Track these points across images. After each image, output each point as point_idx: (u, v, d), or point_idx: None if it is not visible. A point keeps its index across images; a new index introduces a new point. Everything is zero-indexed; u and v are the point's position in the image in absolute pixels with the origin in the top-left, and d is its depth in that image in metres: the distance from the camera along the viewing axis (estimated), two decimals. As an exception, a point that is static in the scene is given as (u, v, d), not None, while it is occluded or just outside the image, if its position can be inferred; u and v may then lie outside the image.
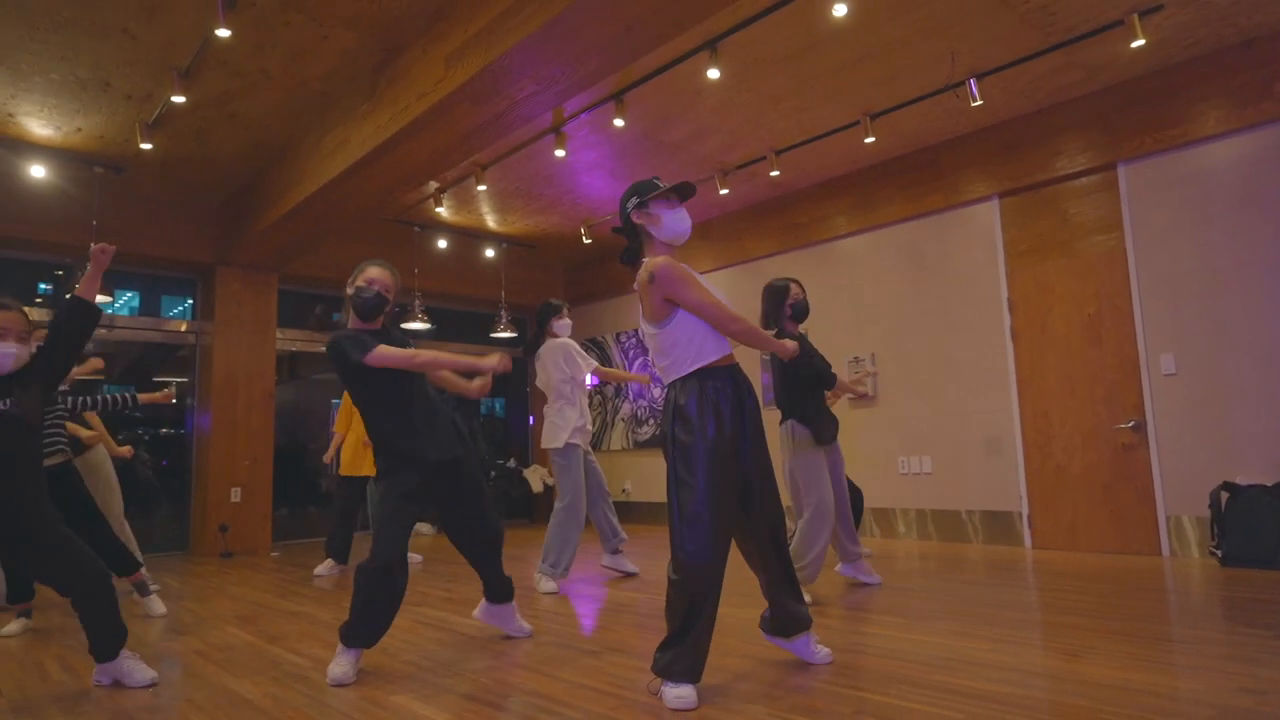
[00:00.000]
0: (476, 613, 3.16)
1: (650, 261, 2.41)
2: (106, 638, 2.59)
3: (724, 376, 2.41)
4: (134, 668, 2.61)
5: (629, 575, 4.56)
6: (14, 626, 3.54)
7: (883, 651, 2.72)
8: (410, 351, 2.72)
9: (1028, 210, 5.37)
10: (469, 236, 7.70)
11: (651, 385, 5.01)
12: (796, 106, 5.13)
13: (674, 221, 2.45)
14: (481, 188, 6.12)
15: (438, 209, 6.75)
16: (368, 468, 5.24)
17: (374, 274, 2.84)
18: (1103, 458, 4.91)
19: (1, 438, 2.45)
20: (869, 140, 5.34)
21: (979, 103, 4.78)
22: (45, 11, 3.87)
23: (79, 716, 2.34)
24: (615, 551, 4.56)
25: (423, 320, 7.16)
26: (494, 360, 2.77)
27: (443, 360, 2.79)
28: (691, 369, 2.38)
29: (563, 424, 4.30)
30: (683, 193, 2.47)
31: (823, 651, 2.60)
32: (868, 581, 3.98)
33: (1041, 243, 5.30)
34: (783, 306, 3.76)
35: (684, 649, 2.23)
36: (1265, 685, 2.21)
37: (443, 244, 7.55)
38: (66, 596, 2.56)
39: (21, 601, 3.63)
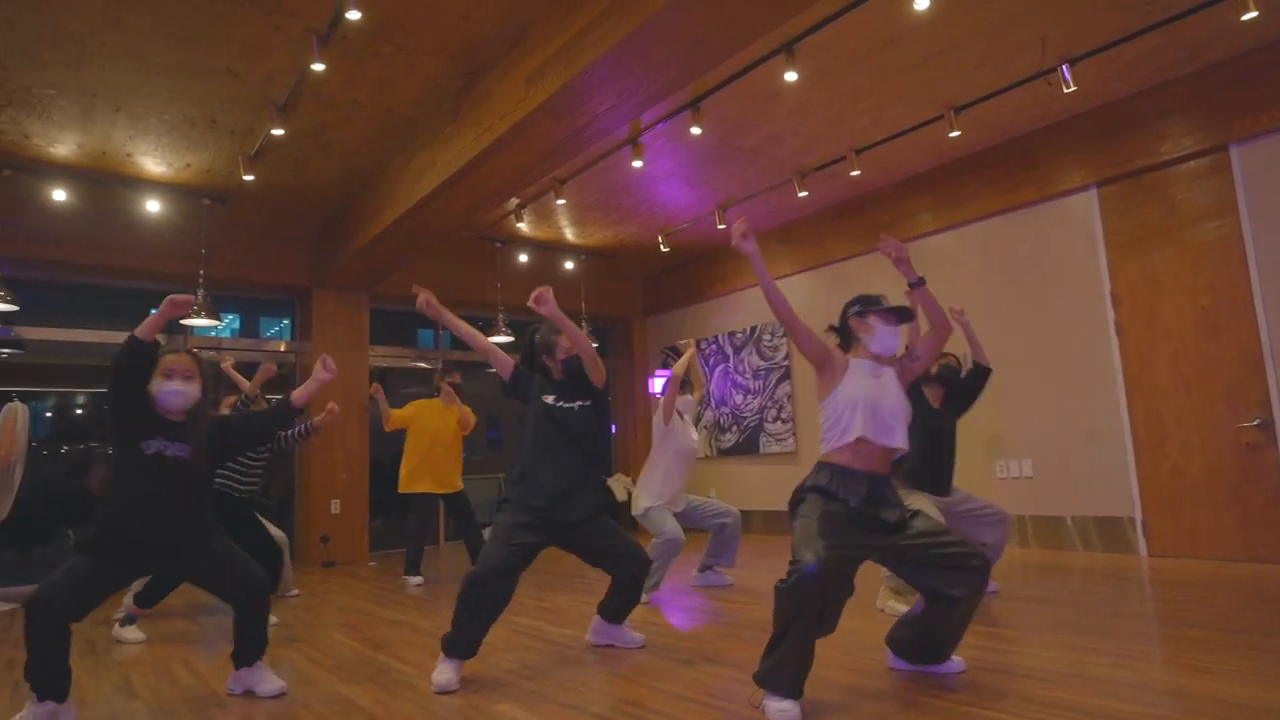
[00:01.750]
0: (590, 634, 3.22)
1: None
2: (252, 644, 2.74)
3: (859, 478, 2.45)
4: (265, 677, 2.73)
5: (723, 586, 4.54)
6: (134, 634, 3.76)
7: (995, 665, 2.62)
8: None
9: (1130, 199, 5.10)
10: (548, 250, 7.83)
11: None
12: (876, 104, 5.02)
13: (884, 337, 2.56)
14: (560, 201, 6.22)
15: (518, 224, 6.89)
16: (424, 485, 5.37)
17: (568, 344, 3.14)
18: (1225, 459, 4.60)
19: (183, 480, 2.64)
20: (954, 134, 5.17)
21: (1072, 89, 4.57)
22: (158, 57, 4.14)
23: (207, 719, 2.47)
24: (708, 569, 4.58)
25: (506, 334, 7.32)
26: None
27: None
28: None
29: (644, 488, 4.36)
30: (901, 316, 2.57)
31: (955, 660, 2.57)
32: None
33: (1146, 232, 5.01)
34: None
35: (781, 659, 2.20)
36: None
37: (523, 258, 7.70)
38: (230, 602, 2.72)
39: (149, 606, 3.88)
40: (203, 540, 2.72)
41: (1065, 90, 4.59)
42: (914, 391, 3.68)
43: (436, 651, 3.16)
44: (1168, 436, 4.84)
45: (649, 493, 4.30)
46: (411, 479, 5.39)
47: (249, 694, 2.72)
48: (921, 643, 2.54)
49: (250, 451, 4.20)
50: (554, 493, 2.89)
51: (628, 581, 3.06)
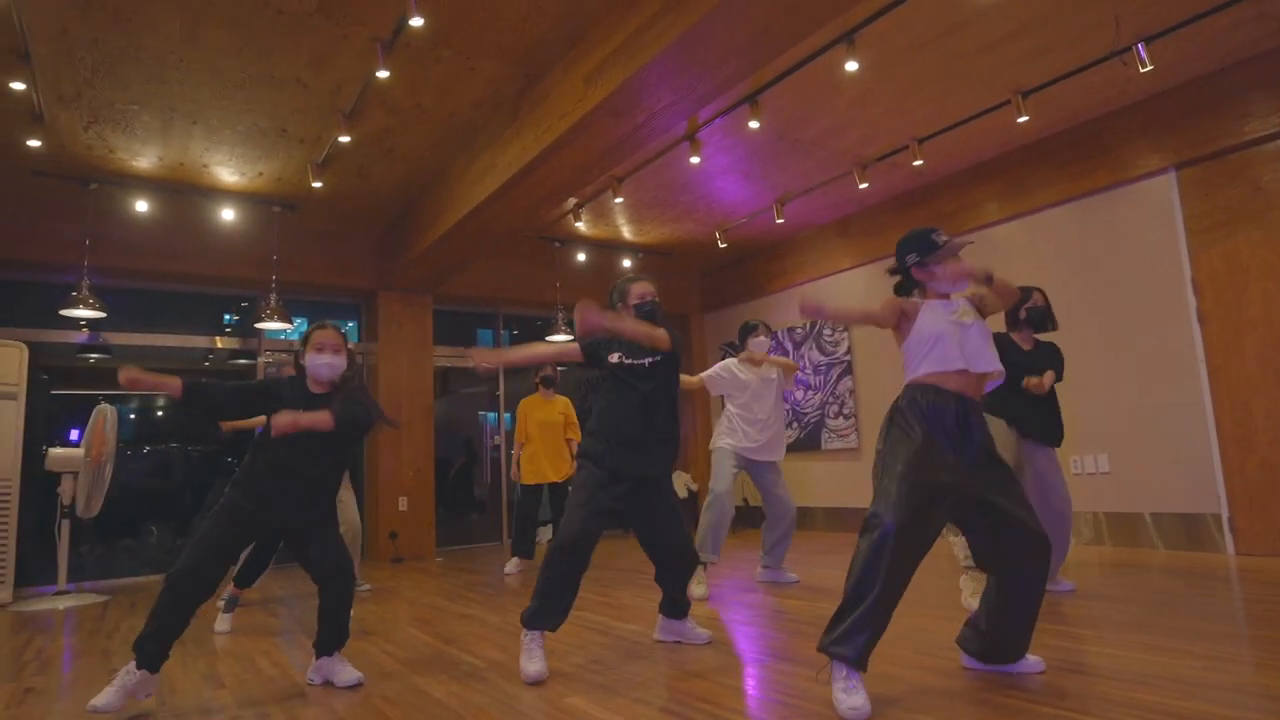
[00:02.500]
0: (657, 633, 3.23)
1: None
2: (334, 632, 2.83)
3: (945, 397, 2.40)
4: (344, 669, 2.82)
5: (789, 583, 4.50)
6: (224, 624, 3.94)
7: (1077, 666, 2.53)
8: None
9: (1212, 181, 4.87)
10: (606, 249, 7.87)
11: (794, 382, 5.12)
12: (940, 91, 4.90)
13: (950, 276, 2.51)
14: (618, 200, 6.25)
15: (576, 224, 6.94)
16: (546, 475, 5.74)
17: (642, 289, 3.14)
18: (1319, 452, 4.36)
19: (326, 444, 2.77)
20: (1022, 119, 5.02)
21: (1149, 68, 4.38)
22: (232, 71, 4.31)
23: (294, 711, 2.56)
24: (767, 567, 4.54)
25: (567, 332, 7.39)
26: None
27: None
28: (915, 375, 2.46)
29: (721, 429, 4.56)
30: (957, 250, 2.54)
31: (1033, 659, 2.49)
32: (1058, 588, 3.73)
33: (1230, 215, 4.78)
34: (1018, 311, 3.78)
35: (853, 625, 2.17)
36: None
37: (581, 257, 7.76)
38: (322, 582, 2.80)
39: (246, 585, 4.07)
40: (323, 514, 2.85)
41: (1141, 70, 4.41)
42: (1001, 340, 3.62)
43: (506, 645, 3.24)
44: (1257, 430, 4.61)
45: (722, 431, 4.55)
46: (532, 471, 5.77)
47: (327, 684, 2.81)
48: (990, 639, 2.46)
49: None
50: (631, 446, 2.91)
51: (673, 568, 3.06)
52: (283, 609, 4.55)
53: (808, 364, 7.69)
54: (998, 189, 5.98)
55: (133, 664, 2.52)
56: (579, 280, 7.98)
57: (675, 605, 3.13)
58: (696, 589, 4.17)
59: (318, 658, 2.85)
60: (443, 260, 6.45)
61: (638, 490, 2.95)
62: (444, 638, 3.52)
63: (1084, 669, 2.49)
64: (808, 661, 2.72)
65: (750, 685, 2.53)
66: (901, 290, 2.63)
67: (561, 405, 5.97)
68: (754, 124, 4.87)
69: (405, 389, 7.18)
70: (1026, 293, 3.78)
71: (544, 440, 5.79)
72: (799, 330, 7.83)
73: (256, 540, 2.81)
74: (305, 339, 2.92)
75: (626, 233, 7.53)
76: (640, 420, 2.94)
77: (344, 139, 4.89)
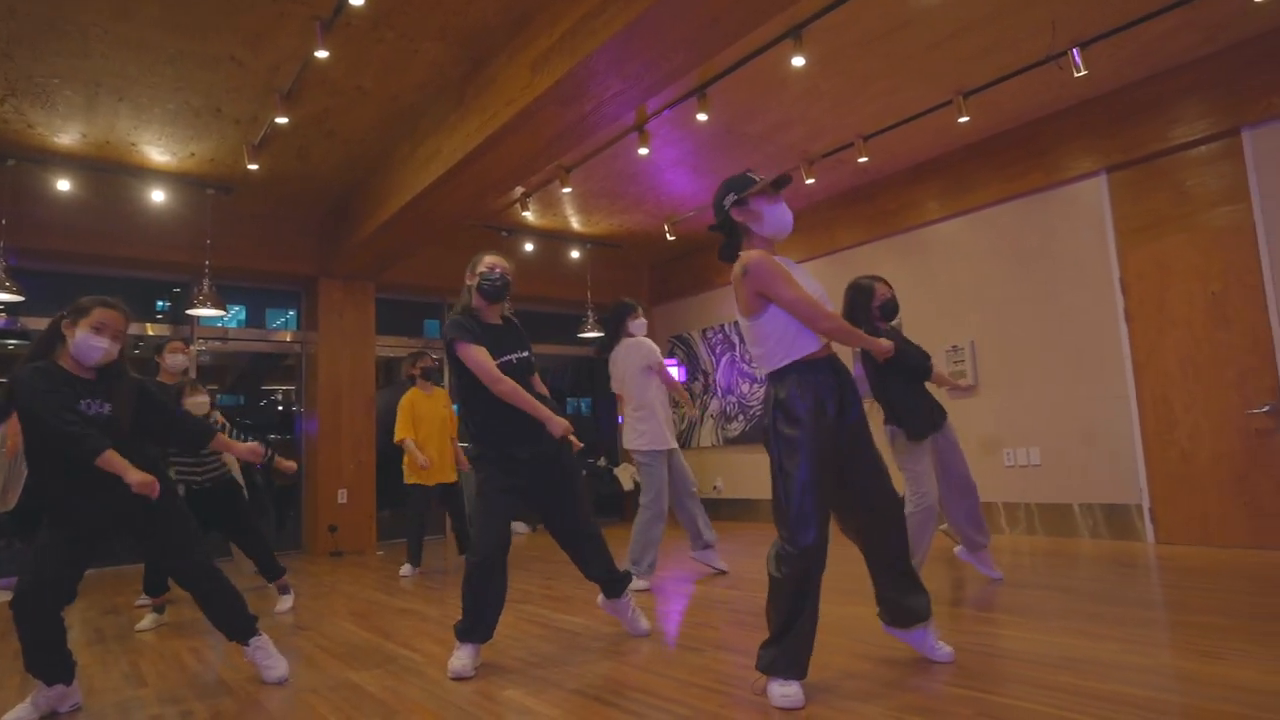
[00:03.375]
0: (598, 601, 3.24)
1: (745, 255, 2.38)
2: (230, 622, 2.72)
3: (824, 368, 2.36)
4: (273, 662, 2.70)
5: (720, 573, 4.52)
6: (148, 621, 3.80)
7: (1002, 651, 2.61)
8: (494, 373, 2.81)
9: (1140, 184, 5.05)
10: (554, 239, 7.80)
11: (691, 409, 4.94)
12: (885, 89, 4.98)
13: (775, 216, 2.41)
14: (566, 190, 6.20)
15: (524, 213, 6.87)
16: (435, 475, 5.34)
17: (493, 260, 3.05)
18: (1235, 446, 4.57)
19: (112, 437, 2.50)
20: (963, 119, 5.13)
21: (1083, 73, 4.52)
22: (162, 46, 4.13)
23: (218, 706, 2.48)
24: (705, 547, 4.53)
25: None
26: (564, 428, 2.84)
27: (520, 398, 2.82)
28: (784, 362, 2.35)
29: (641, 425, 4.33)
30: (780, 185, 2.40)
31: (944, 649, 2.51)
32: (988, 574, 3.84)
33: (1157, 218, 4.97)
34: (869, 308, 3.67)
35: (788, 644, 2.20)
36: None
37: (529, 247, 7.68)
38: (182, 582, 2.70)
39: (156, 595, 3.90)
40: (153, 508, 2.55)
41: (1076, 74, 4.54)
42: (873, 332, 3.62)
43: (444, 639, 3.19)
44: (1177, 424, 4.81)
45: (647, 430, 4.33)
46: (412, 470, 5.36)
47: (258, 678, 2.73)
48: (891, 601, 2.50)
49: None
50: (516, 432, 2.85)
51: (584, 549, 3.03)
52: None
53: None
54: (939, 187, 6.11)
55: (42, 685, 2.40)
56: (526, 269, 7.89)
57: (611, 585, 3.11)
58: (637, 583, 4.17)
59: (241, 642, 2.74)
60: (386, 247, 6.31)
61: (536, 471, 2.89)
62: (381, 632, 3.46)
63: (1008, 654, 2.57)
64: (746, 651, 2.74)
65: (687, 675, 2.53)
66: (726, 249, 2.48)
67: (444, 398, 5.57)
68: (702, 116, 4.88)
69: (346, 379, 7.01)
70: (868, 285, 3.69)
71: (431, 436, 5.35)
72: (746, 324, 7.88)
73: (95, 537, 2.56)
74: (79, 311, 2.49)
75: (575, 223, 7.48)
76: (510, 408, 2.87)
77: (281, 120, 4.73)
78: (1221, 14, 4.25)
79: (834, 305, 2.54)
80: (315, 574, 5.49)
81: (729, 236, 2.48)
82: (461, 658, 2.68)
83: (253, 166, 5.37)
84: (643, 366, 4.38)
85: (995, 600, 3.42)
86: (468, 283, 3.03)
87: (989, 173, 5.78)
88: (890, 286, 3.75)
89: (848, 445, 2.36)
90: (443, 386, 5.67)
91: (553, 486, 2.95)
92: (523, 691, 2.45)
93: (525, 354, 3.01)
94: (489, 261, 3.04)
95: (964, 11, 4.15)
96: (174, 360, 4.60)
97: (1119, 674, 2.29)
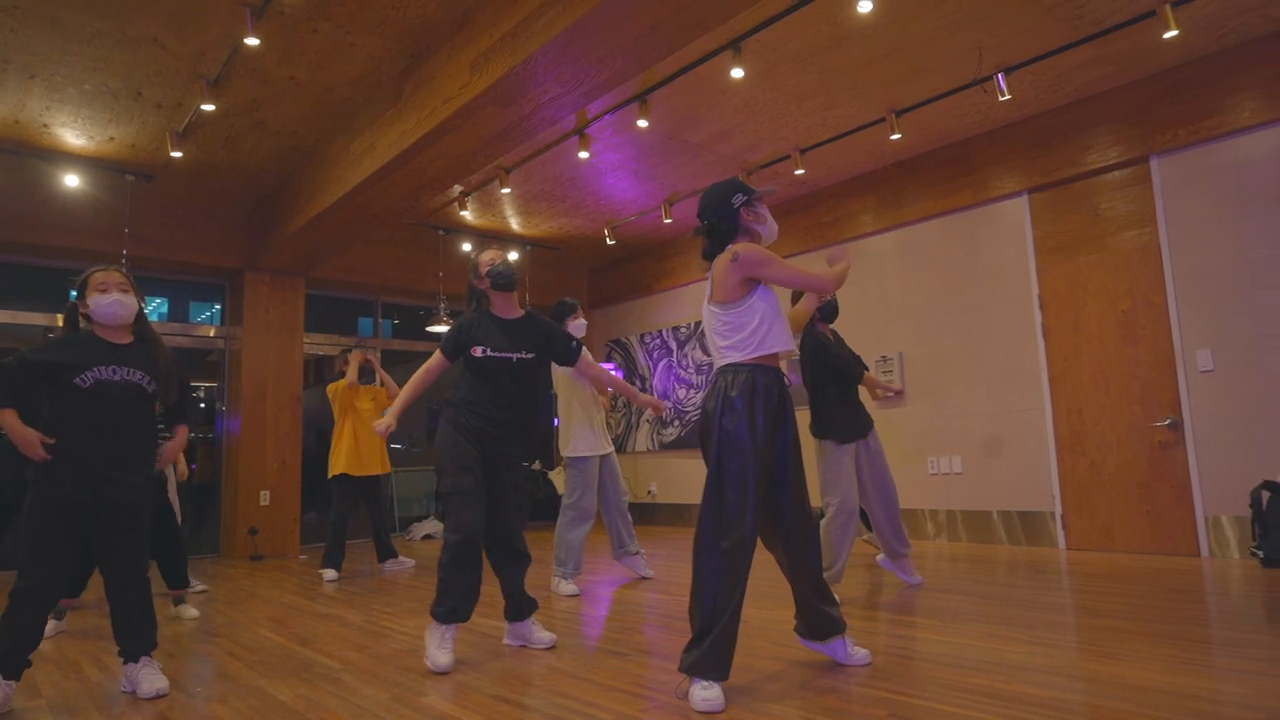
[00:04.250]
0: (505, 638, 3.09)
1: (734, 245, 2.44)
2: (137, 637, 2.60)
3: (773, 375, 2.42)
4: (149, 675, 2.57)
5: (644, 579, 4.52)
6: (49, 629, 3.59)
7: (918, 654, 2.68)
8: (422, 379, 2.93)
9: (1058, 206, 5.29)
10: (493, 239, 7.73)
11: (667, 411, 4.94)
12: (821, 104, 5.09)
13: (773, 221, 2.57)
14: (505, 191, 6.15)
15: (462, 212, 6.79)
16: (368, 467, 5.24)
17: (490, 256, 3.02)
18: (1139, 456, 4.81)
19: (130, 405, 2.54)
20: (895, 137, 5.29)
21: (1007, 97, 4.72)
22: (78, 24, 3.94)
23: (121, 717, 2.37)
24: (634, 554, 4.52)
25: (449, 323, 7.20)
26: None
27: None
28: (754, 355, 2.39)
29: (569, 431, 4.32)
30: (768, 194, 2.58)
31: (860, 653, 2.57)
32: (908, 581, 3.94)
33: (1073, 239, 5.21)
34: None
35: (710, 646, 2.22)
36: (1316, 690, 2.15)
37: (467, 247, 7.59)
38: (113, 582, 2.58)
39: (75, 595, 3.71)
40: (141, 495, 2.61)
41: (1000, 98, 4.73)
42: (819, 336, 3.72)
43: (366, 645, 3.12)
44: (1087, 435, 5.04)
45: (581, 435, 4.32)
46: (342, 462, 5.23)
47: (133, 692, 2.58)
48: (807, 615, 2.54)
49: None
50: (498, 425, 2.88)
51: (504, 556, 2.98)
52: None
53: (690, 363, 7.82)
54: (872, 202, 6.28)
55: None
56: (464, 270, 7.76)
57: (516, 606, 2.99)
58: (565, 586, 4.15)
59: (126, 662, 2.60)
60: (317, 242, 6.15)
61: (489, 468, 2.89)
62: (299, 638, 3.35)
63: (923, 656, 2.65)
64: (670, 655, 2.75)
65: (610, 679, 2.53)
66: (711, 249, 2.52)
67: (380, 395, 5.50)
68: (643, 123, 4.90)
69: (271, 377, 6.80)
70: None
71: (366, 429, 5.25)
72: (683, 330, 7.95)
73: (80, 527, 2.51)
74: (83, 284, 2.63)
75: (515, 224, 7.43)
76: (506, 404, 2.90)
77: (208, 107, 4.57)
78: (1133, 48, 4.48)
79: (783, 308, 2.60)
80: (232, 579, 5.30)
81: (718, 237, 2.51)
82: (445, 649, 2.69)
83: (176, 154, 5.17)
84: (570, 370, 4.36)
85: (913, 604, 3.52)
86: (476, 286, 3.01)
87: (920, 189, 5.97)
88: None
89: (779, 458, 2.42)
90: (381, 386, 5.55)
91: (495, 487, 2.91)
92: (442, 698, 2.41)
93: (528, 355, 2.94)
94: (488, 258, 3.01)
95: (896, 33, 4.28)
96: None
97: (1026, 675, 2.38)
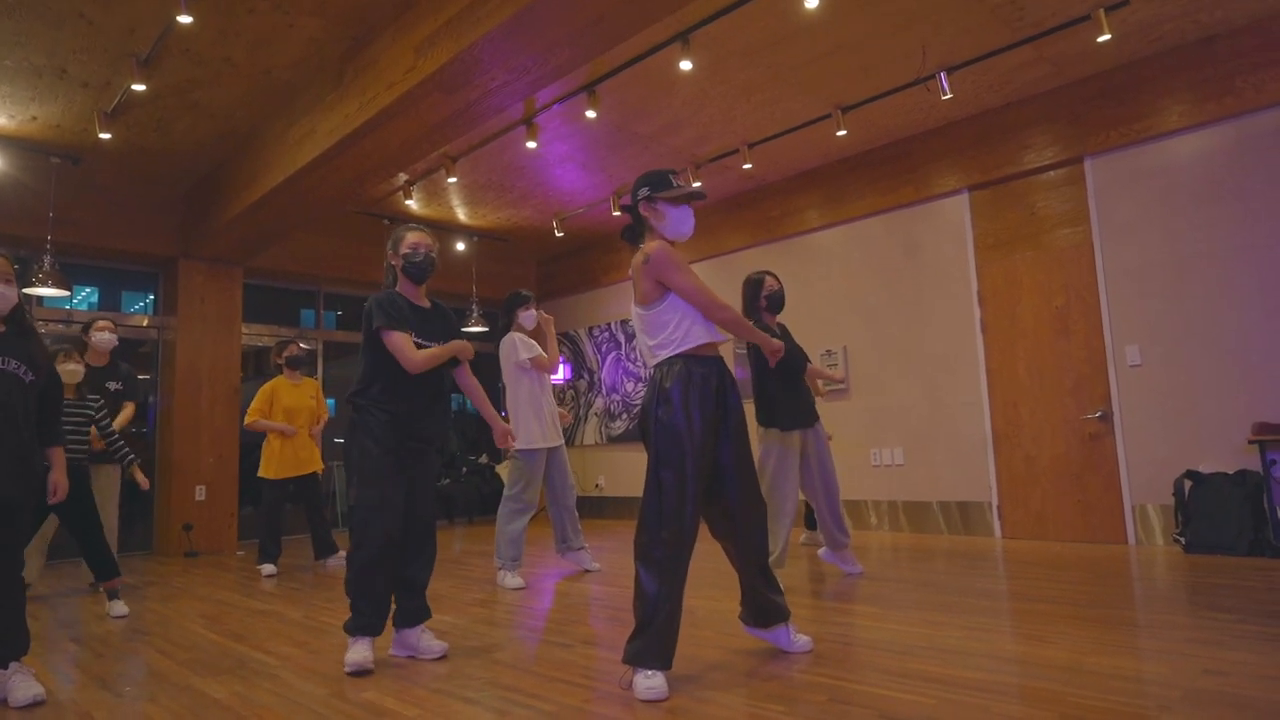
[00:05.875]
0: (392, 649, 2.83)
1: (646, 245, 2.47)
2: (4, 643, 2.44)
3: (710, 365, 2.43)
4: (21, 682, 2.39)
5: (588, 571, 4.51)
6: None
7: (858, 640, 2.73)
8: (413, 358, 2.71)
9: (997, 203, 5.43)
10: (439, 229, 7.59)
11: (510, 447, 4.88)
12: (769, 99, 5.13)
13: (677, 222, 2.52)
14: (452, 180, 6.05)
15: (407, 201, 6.66)
16: (302, 466, 5.14)
17: (416, 239, 2.89)
18: (1071, 448, 4.99)
19: (6, 393, 2.43)
20: (841, 133, 5.36)
21: (949, 96, 4.82)
22: (-4, -6, 3.74)
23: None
24: (578, 549, 4.49)
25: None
26: (504, 431, 3.03)
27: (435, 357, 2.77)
28: (678, 351, 2.40)
29: (515, 424, 4.26)
30: (691, 198, 2.53)
31: (802, 640, 2.61)
32: (849, 571, 4.01)
33: (1010, 236, 5.36)
34: (758, 298, 3.83)
35: (653, 635, 2.23)
36: (1228, 667, 2.25)
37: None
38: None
39: None
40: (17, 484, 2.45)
41: (942, 97, 4.83)
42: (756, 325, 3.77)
43: (304, 641, 3.06)
44: (1023, 427, 5.20)
45: (529, 428, 4.27)
46: (272, 464, 5.11)
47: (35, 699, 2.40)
48: (751, 603, 2.58)
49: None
50: (417, 412, 2.79)
51: (409, 551, 2.78)
52: (45, 609, 4.03)
53: (639, 356, 7.83)
54: (818, 198, 6.36)
55: None
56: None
57: (407, 611, 2.78)
58: (511, 579, 4.12)
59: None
60: (255, 229, 5.96)
61: (416, 456, 2.79)
62: (233, 635, 3.26)
63: (863, 642, 2.70)
64: (615, 646, 2.75)
65: (553, 670, 2.52)
66: (629, 231, 2.59)
67: (311, 388, 5.35)
68: (591, 114, 4.87)
69: (207, 368, 6.58)
70: (758, 279, 3.90)
71: (296, 426, 5.14)
72: (632, 323, 7.93)
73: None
74: None
75: (461, 215, 7.32)
76: (422, 384, 2.78)
77: (139, 87, 4.39)
78: (1069, 50, 4.62)
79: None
80: (165, 575, 5.12)
81: (635, 221, 2.57)
82: (359, 649, 2.59)
83: (105, 136, 4.96)
84: (513, 363, 4.33)
85: (854, 592, 3.59)
86: (390, 262, 2.90)
87: (864, 185, 6.07)
88: (779, 280, 3.95)
89: (724, 447, 2.43)
90: (313, 378, 5.41)
91: (418, 478, 2.82)
92: (381, 693, 2.36)
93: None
94: (412, 240, 2.88)
95: (842, 30, 4.33)
96: (101, 338, 4.61)
97: (960, 659, 2.45)
